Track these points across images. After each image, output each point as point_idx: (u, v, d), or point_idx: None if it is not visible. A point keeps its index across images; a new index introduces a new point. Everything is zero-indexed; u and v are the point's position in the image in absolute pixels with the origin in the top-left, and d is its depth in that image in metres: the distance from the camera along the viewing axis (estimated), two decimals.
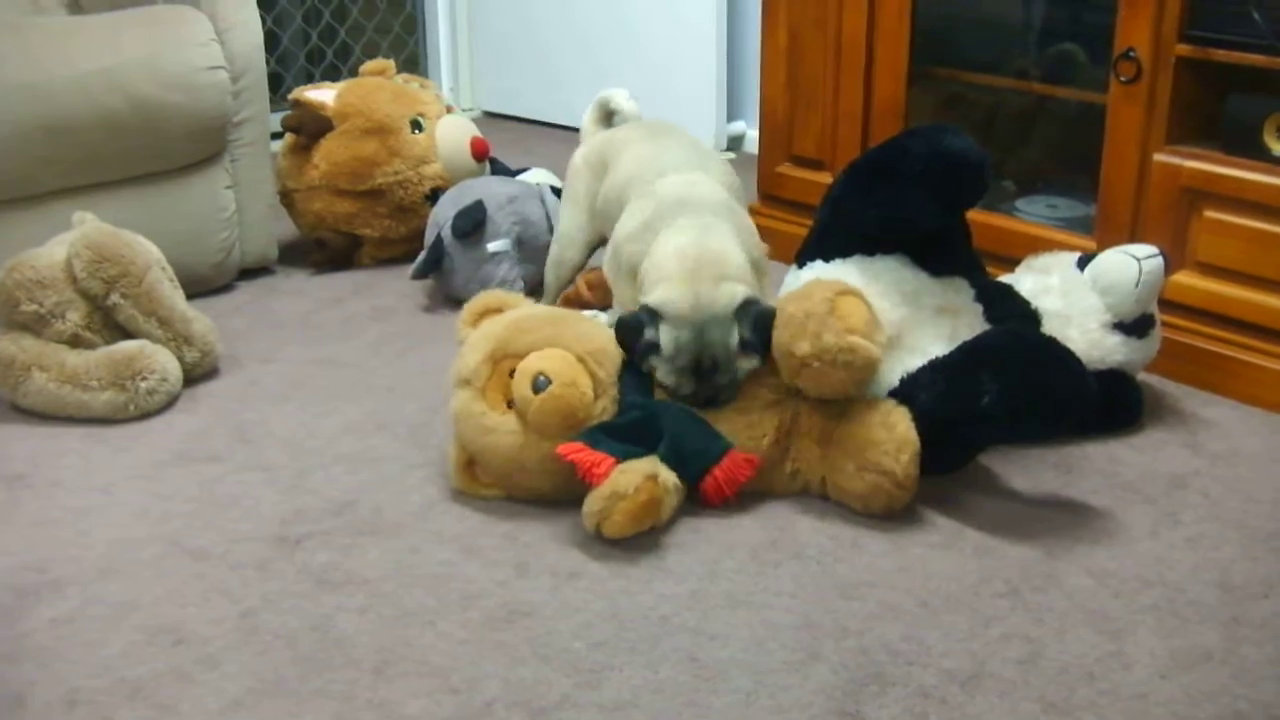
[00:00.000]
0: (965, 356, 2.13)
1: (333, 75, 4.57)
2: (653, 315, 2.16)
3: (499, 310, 2.29)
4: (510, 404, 2.15)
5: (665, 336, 2.15)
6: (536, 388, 2.08)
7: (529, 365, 2.12)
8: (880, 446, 2.07)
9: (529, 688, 1.72)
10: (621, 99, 2.84)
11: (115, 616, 1.90)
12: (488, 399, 2.15)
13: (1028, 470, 2.25)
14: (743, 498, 2.15)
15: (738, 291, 2.16)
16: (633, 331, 2.18)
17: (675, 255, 2.20)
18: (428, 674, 1.76)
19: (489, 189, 3.05)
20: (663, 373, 2.17)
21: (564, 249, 2.76)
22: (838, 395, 2.13)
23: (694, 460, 2.09)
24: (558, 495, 2.12)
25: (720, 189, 2.41)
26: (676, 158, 2.49)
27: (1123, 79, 2.55)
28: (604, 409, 2.13)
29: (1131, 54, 2.52)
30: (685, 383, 2.17)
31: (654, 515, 2.04)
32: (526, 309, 2.29)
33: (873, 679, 1.73)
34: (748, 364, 2.18)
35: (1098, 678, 1.72)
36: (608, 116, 2.86)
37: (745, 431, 2.15)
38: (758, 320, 2.15)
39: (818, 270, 2.32)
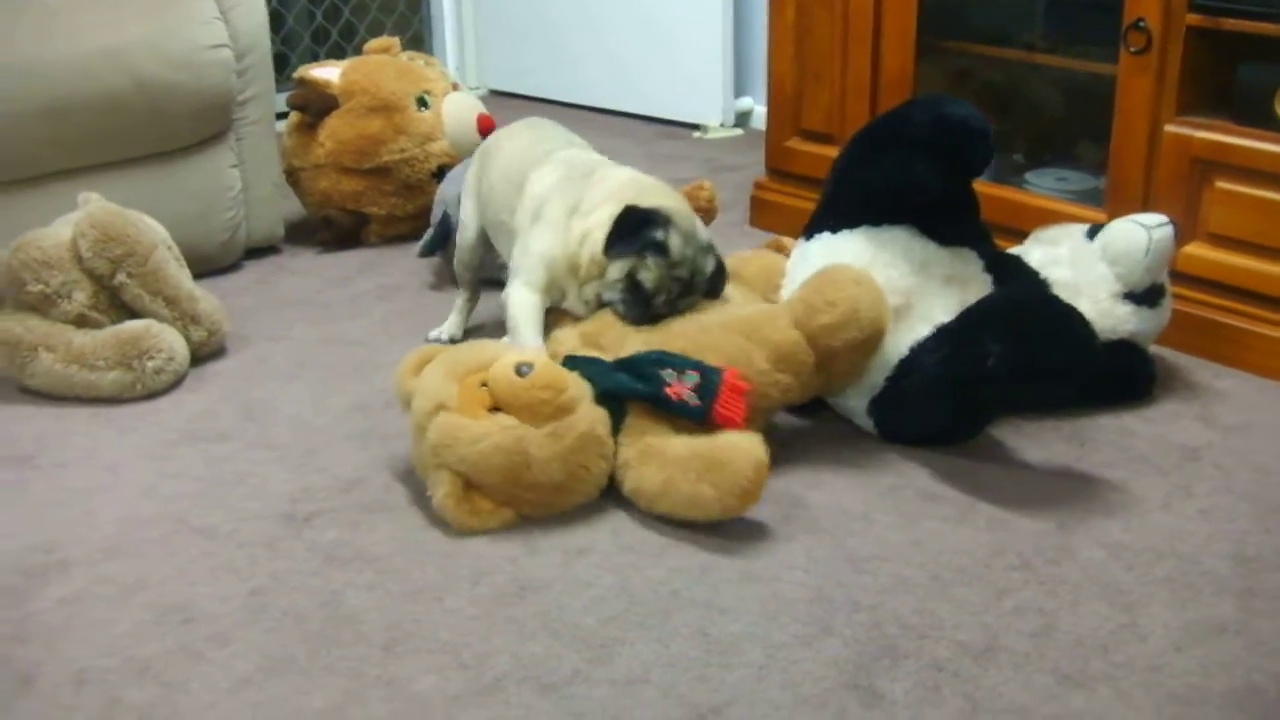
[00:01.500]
0: (968, 320, 2.13)
1: (338, 54, 4.53)
2: (664, 219, 2.19)
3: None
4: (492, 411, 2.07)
5: (675, 241, 2.19)
6: (521, 373, 2.04)
7: (505, 362, 2.07)
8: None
9: (539, 662, 1.71)
10: None
11: (123, 596, 1.90)
12: (466, 414, 2.05)
13: (1040, 442, 2.24)
14: None
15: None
16: (640, 223, 2.19)
17: (633, 181, 2.30)
18: (437, 650, 1.75)
19: None
20: (653, 276, 2.18)
21: (462, 234, 2.74)
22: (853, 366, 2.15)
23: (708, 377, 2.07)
24: (568, 490, 2.05)
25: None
26: (559, 137, 2.62)
27: (1132, 49, 2.53)
28: (587, 397, 2.08)
29: (1141, 24, 2.50)
30: (668, 292, 2.20)
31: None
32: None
33: (885, 652, 1.72)
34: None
35: (1112, 650, 1.71)
36: None
37: None
38: (719, 263, 2.27)
39: (825, 241, 2.30)
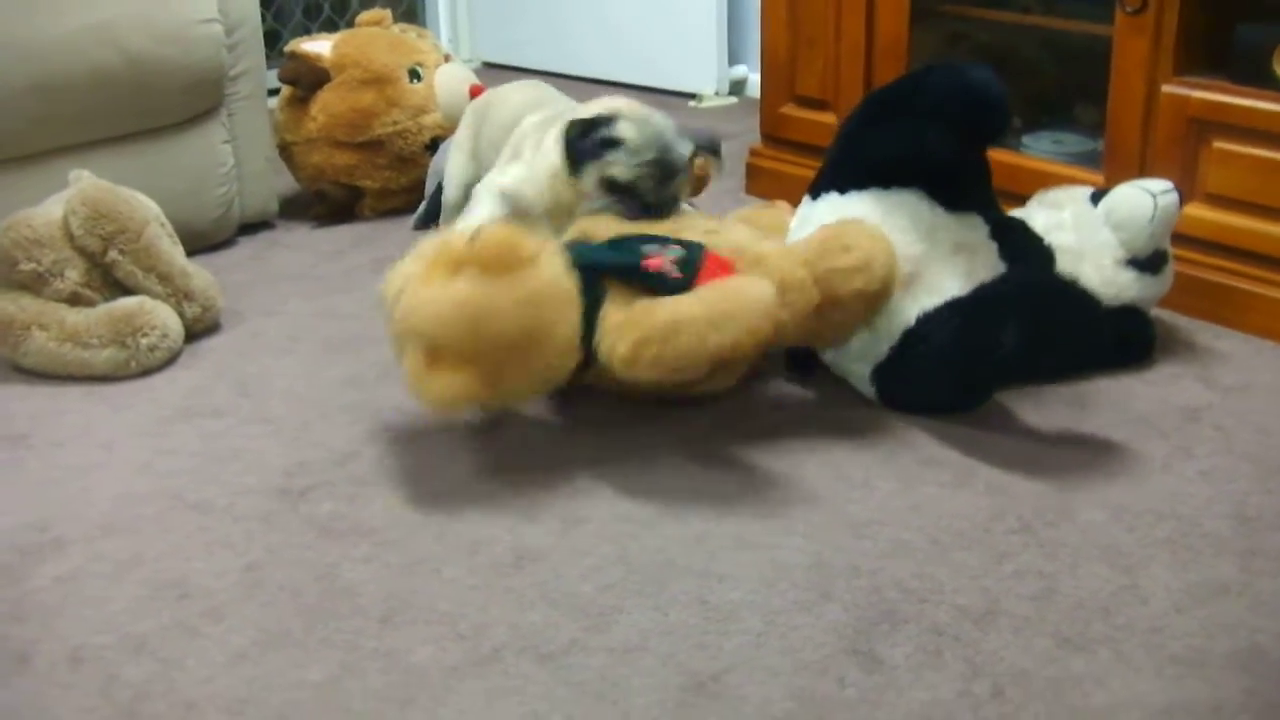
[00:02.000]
0: (984, 298, 2.12)
1: (331, 29, 4.52)
2: (608, 118, 2.20)
3: None
4: None
5: (627, 130, 2.18)
6: (472, 240, 1.99)
7: (460, 230, 2.05)
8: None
9: (538, 632, 1.70)
10: None
11: (119, 572, 1.89)
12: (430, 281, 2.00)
13: (1040, 406, 2.23)
14: (747, 436, 2.15)
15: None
16: (584, 127, 2.19)
17: (606, 101, 2.32)
18: (435, 621, 1.74)
19: None
20: (623, 169, 2.17)
21: (447, 192, 2.78)
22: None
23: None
24: (536, 344, 1.98)
25: None
26: (561, 99, 2.65)
27: (1128, 9, 2.51)
28: (554, 257, 2.03)
29: None
30: (648, 181, 2.18)
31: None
32: None
33: (885, 617, 1.70)
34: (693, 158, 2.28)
35: (1113, 612, 1.70)
36: None
37: None
38: (709, 144, 2.30)
39: (832, 202, 2.28)
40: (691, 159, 2.27)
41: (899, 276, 2.13)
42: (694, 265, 2.01)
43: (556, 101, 2.59)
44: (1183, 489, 1.98)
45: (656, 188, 2.19)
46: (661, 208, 2.21)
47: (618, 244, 2.09)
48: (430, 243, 2.08)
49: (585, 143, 2.19)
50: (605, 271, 2.03)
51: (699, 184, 2.80)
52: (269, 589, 1.82)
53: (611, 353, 1.97)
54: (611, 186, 2.20)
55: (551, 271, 2.01)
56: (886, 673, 1.60)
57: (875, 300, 2.12)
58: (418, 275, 2.01)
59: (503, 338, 1.95)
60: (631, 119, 2.22)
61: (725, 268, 2.01)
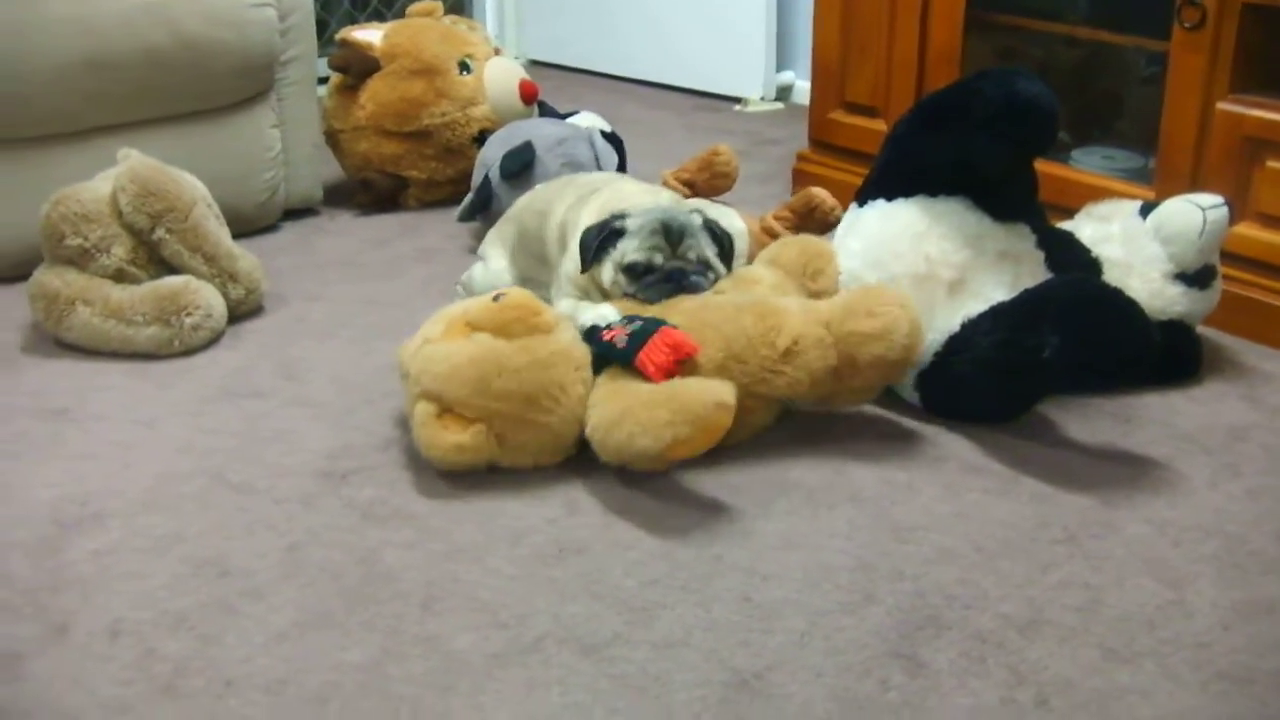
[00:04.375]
0: (1027, 305, 2.09)
1: (377, 19, 4.49)
2: (615, 218, 2.22)
3: None
4: None
5: (632, 221, 2.20)
6: (496, 300, 2.06)
7: (485, 295, 2.11)
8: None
9: (580, 624, 1.70)
10: None
11: (158, 549, 1.89)
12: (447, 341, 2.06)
13: (1085, 419, 2.21)
14: (793, 437, 2.14)
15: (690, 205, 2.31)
16: (596, 229, 2.22)
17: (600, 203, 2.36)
18: (477, 609, 1.73)
19: (538, 130, 3.01)
20: (633, 248, 2.18)
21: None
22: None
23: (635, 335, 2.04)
24: (541, 407, 2.00)
25: None
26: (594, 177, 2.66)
27: (1186, 24, 2.49)
28: (567, 328, 2.09)
29: None
30: (657, 251, 2.18)
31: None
32: None
33: (929, 622, 1.69)
34: (715, 261, 2.24)
35: (1158, 626, 1.69)
36: None
37: None
38: (715, 228, 2.25)
39: (879, 209, 2.27)
40: (718, 233, 2.26)
41: (921, 346, 2.11)
42: (642, 337, 2.02)
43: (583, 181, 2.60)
44: (1229, 506, 1.96)
45: (669, 255, 2.19)
46: (683, 273, 2.19)
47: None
48: (452, 308, 2.14)
49: (595, 246, 2.21)
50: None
51: (725, 181, 2.80)
52: (309, 570, 1.82)
53: (586, 425, 2.03)
54: (630, 270, 2.19)
55: (565, 338, 2.05)
56: (929, 677, 1.59)
57: (894, 369, 2.10)
58: (436, 336, 2.07)
59: (513, 396, 1.99)
60: (636, 211, 2.23)
61: (672, 345, 2.00)
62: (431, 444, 2.00)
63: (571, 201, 2.42)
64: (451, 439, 2.00)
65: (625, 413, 1.94)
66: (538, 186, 2.67)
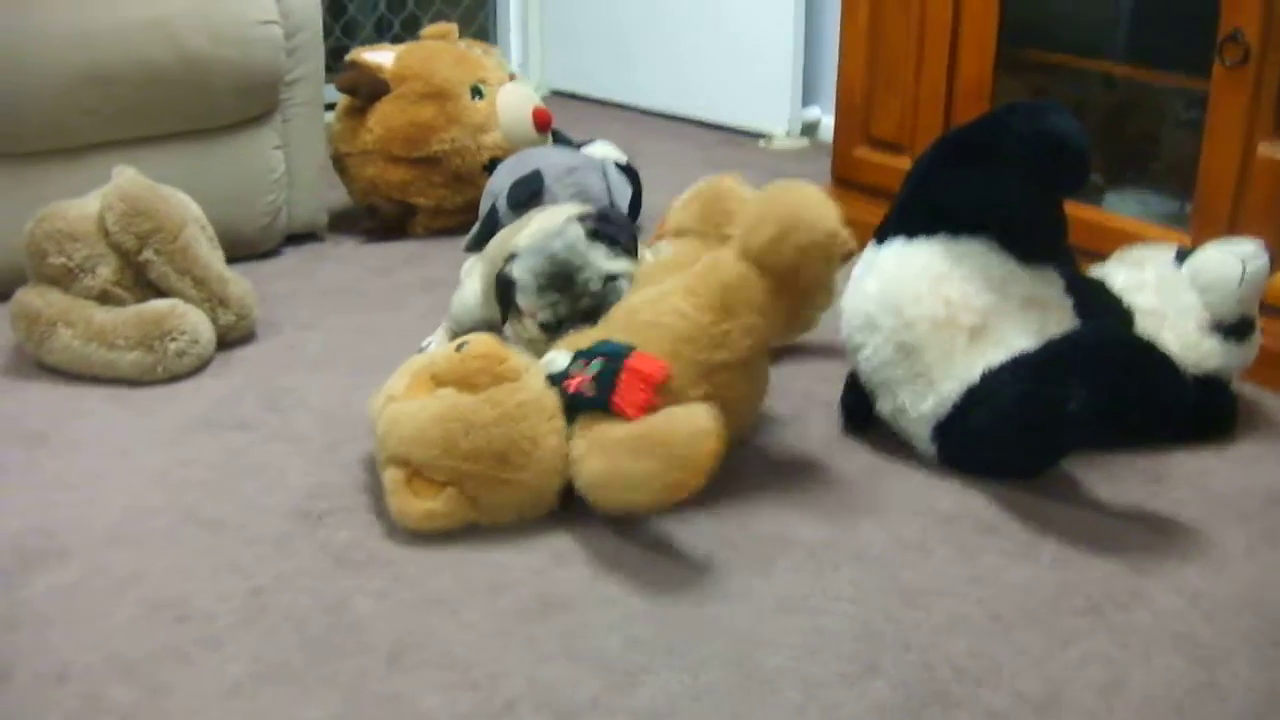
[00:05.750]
0: (1052, 355, 1.97)
1: None
2: (508, 259, 2.13)
3: None
4: None
5: (517, 269, 2.09)
6: (458, 350, 1.94)
7: (449, 346, 1.99)
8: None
9: (556, 688, 1.57)
10: None
11: (118, 588, 1.78)
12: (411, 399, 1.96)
13: (1113, 477, 2.08)
14: (797, 489, 2.02)
15: (571, 210, 2.19)
16: (498, 283, 2.12)
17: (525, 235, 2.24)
18: (447, 666, 1.61)
19: (548, 159, 2.91)
20: (532, 310, 2.08)
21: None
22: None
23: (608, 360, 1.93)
24: (513, 464, 1.89)
25: None
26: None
27: (1228, 62, 2.37)
28: (536, 374, 1.96)
29: (1238, 35, 2.34)
30: (558, 305, 2.07)
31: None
32: None
33: (936, 698, 1.56)
34: (618, 264, 2.10)
35: (1188, 711, 1.55)
36: None
37: None
38: (603, 214, 2.13)
39: (898, 248, 2.15)
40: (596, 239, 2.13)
41: (834, 214, 1.95)
42: (610, 380, 1.89)
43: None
44: (1266, 578, 1.83)
45: (570, 303, 2.08)
46: (596, 308, 2.08)
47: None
48: (417, 359, 2.05)
49: (500, 296, 2.13)
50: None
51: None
52: (273, 617, 1.70)
53: (576, 482, 1.91)
54: (546, 328, 2.09)
55: (535, 385, 1.93)
56: None
57: (823, 249, 1.94)
58: (399, 392, 1.96)
59: (482, 455, 1.88)
60: (523, 252, 2.11)
61: (642, 377, 1.89)
62: (402, 512, 1.89)
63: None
64: (423, 506, 1.89)
65: (612, 471, 1.82)
66: (503, 230, 2.55)
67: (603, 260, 2.10)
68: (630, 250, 2.14)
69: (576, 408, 1.91)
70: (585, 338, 2.01)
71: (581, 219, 2.14)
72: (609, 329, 2.00)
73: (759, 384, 2.07)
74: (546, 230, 2.15)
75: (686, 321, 1.95)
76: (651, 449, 1.78)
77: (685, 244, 2.19)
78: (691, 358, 1.93)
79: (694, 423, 1.77)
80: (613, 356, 1.91)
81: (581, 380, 1.91)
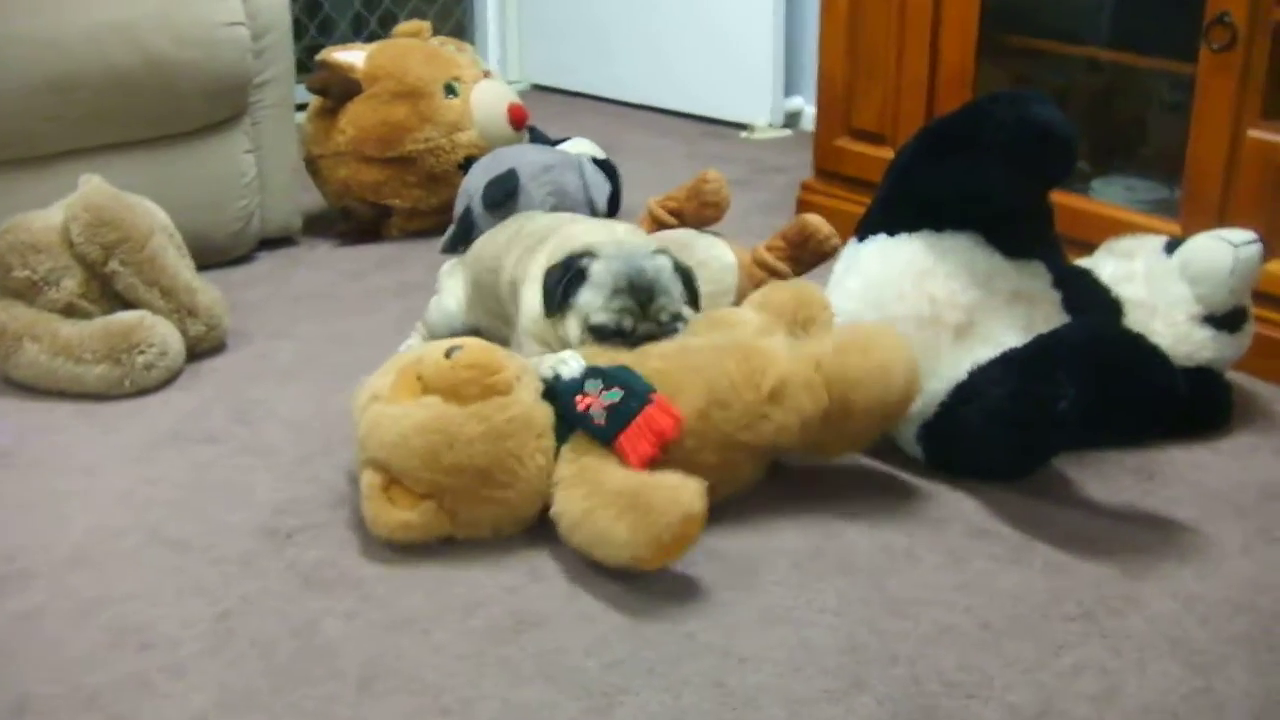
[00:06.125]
0: (1041, 351, 1.92)
1: None
2: (581, 254, 2.02)
3: None
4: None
5: (597, 265, 1.99)
6: (450, 355, 1.86)
7: (438, 346, 1.91)
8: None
9: (531, 711, 1.52)
10: None
11: (81, 613, 1.72)
12: (395, 403, 1.88)
13: (1104, 476, 2.03)
14: (780, 497, 1.97)
15: (651, 240, 2.13)
16: (557, 270, 2.02)
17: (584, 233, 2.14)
18: (418, 691, 1.56)
19: (523, 157, 2.85)
20: (596, 308, 1.98)
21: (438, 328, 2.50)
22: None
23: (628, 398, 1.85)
24: (497, 481, 1.83)
25: None
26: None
27: (1215, 46, 2.32)
28: (527, 386, 1.89)
29: (1226, 18, 2.29)
30: (626, 315, 1.98)
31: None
32: None
33: (924, 714, 1.51)
34: (687, 310, 2.03)
35: (1183, 718, 1.50)
36: None
37: None
38: (679, 266, 2.04)
39: (880, 244, 2.10)
40: (683, 272, 2.06)
41: (918, 391, 1.94)
42: (625, 418, 1.82)
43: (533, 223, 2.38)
44: (1263, 577, 1.78)
45: (638, 320, 2.00)
46: (655, 338, 2.00)
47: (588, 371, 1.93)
48: (404, 355, 1.98)
49: (560, 285, 2.02)
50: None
51: (715, 211, 2.59)
52: (239, 643, 1.65)
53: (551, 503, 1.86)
54: (598, 333, 2.00)
55: (524, 406, 1.86)
56: None
57: (890, 413, 1.94)
58: (384, 391, 1.89)
59: (465, 471, 1.82)
60: (602, 253, 2.02)
61: (655, 428, 1.81)
62: (377, 520, 1.84)
63: (519, 254, 2.22)
64: (399, 516, 1.82)
65: (587, 517, 1.76)
66: (485, 235, 2.48)
67: (678, 299, 2.03)
68: (695, 305, 2.07)
69: (577, 426, 1.85)
70: (606, 355, 1.95)
71: (668, 253, 2.07)
72: (646, 358, 1.92)
73: (753, 478, 2.00)
74: (635, 246, 2.06)
75: (730, 387, 1.88)
76: (633, 509, 1.72)
77: (759, 316, 2.11)
78: (719, 425, 1.87)
79: (682, 503, 1.71)
80: (634, 394, 1.84)
81: (594, 404, 1.84)
